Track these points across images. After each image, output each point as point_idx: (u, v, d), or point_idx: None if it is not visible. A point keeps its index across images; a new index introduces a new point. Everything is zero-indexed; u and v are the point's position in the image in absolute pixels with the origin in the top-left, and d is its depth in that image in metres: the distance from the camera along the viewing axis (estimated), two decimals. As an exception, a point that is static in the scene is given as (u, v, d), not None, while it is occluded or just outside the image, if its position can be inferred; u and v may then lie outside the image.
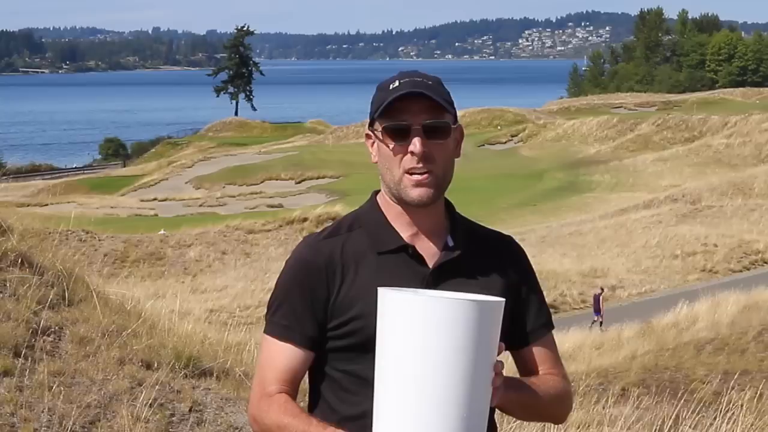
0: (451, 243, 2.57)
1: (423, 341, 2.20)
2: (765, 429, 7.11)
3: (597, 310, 28.58)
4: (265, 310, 2.61)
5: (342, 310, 2.50)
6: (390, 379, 2.24)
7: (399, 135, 2.49)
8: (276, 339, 2.54)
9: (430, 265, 2.53)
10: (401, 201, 2.53)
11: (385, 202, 2.59)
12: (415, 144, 2.47)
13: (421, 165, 2.48)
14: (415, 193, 2.49)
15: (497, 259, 2.60)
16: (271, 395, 2.50)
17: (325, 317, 2.51)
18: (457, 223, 2.61)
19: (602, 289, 29.88)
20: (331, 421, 2.45)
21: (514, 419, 6.47)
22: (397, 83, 2.50)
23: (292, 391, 2.53)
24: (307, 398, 2.63)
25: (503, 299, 2.33)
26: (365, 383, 2.41)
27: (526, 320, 2.61)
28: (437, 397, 2.20)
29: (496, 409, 2.45)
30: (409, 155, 2.48)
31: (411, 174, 2.49)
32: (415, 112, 2.48)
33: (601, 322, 27.51)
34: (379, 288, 2.32)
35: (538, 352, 2.62)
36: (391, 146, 2.50)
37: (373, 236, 2.55)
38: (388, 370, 2.25)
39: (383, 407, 2.26)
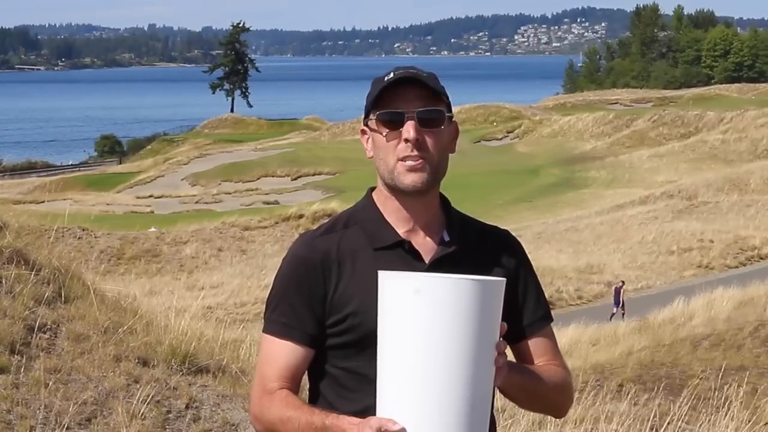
0: (447, 238, 2.56)
1: (426, 322, 2.20)
2: (761, 424, 7.12)
3: (618, 302, 29.16)
4: (264, 309, 2.61)
5: (339, 306, 2.49)
6: (394, 363, 2.24)
7: (393, 123, 2.49)
8: (275, 337, 2.53)
9: (427, 261, 2.52)
10: (396, 191, 2.52)
11: (381, 197, 2.58)
12: (409, 130, 2.47)
13: (415, 153, 2.47)
14: (409, 179, 2.49)
15: (494, 253, 2.60)
16: (273, 392, 2.49)
17: (324, 314, 2.50)
18: (453, 218, 2.61)
19: (623, 282, 30.42)
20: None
21: (511, 416, 6.47)
22: (391, 75, 2.50)
23: (294, 388, 2.53)
24: (308, 395, 2.63)
25: (504, 279, 2.33)
26: (364, 380, 2.42)
27: (524, 313, 2.61)
28: (441, 378, 2.20)
29: (498, 400, 2.45)
30: (402, 143, 2.48)
31: (405, 161, 2.49)
32: (409, 99, 2.48)
33: (623, 314, 27.97)
34: (379, 271, 2.31)
35: (538, 344, 2.62)
36: (385, 133, 2.50)
37: (369, 233, 2.55)
38: (392, 354, 2.25)
39: (387, 390, 2.26)
